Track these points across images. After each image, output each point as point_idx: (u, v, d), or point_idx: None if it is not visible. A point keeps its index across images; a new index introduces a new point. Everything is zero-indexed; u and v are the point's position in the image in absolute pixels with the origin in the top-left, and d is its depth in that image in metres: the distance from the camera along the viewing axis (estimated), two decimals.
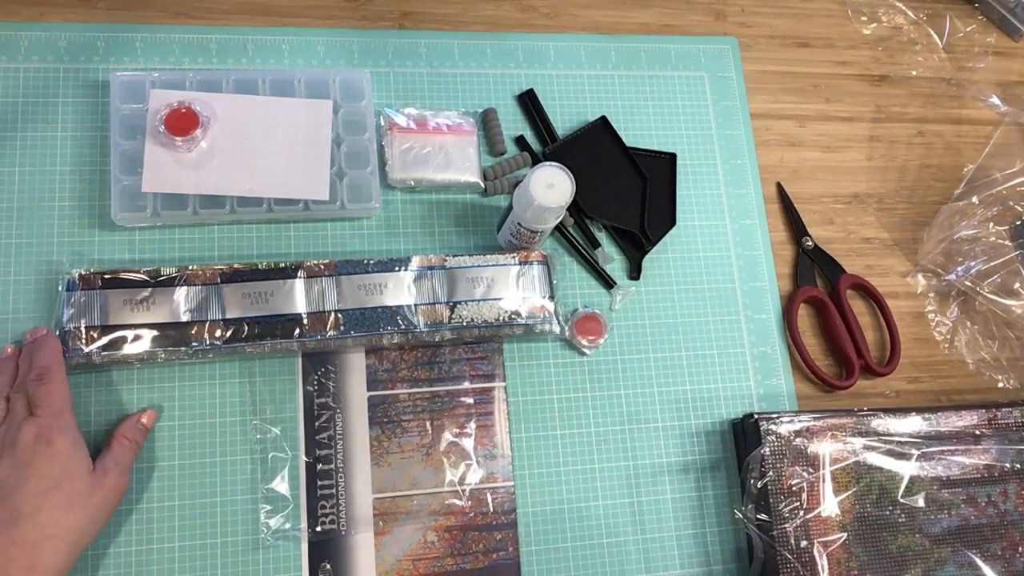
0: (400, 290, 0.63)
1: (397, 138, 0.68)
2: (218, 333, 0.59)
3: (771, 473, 0.62)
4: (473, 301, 0.64)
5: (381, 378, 0.64)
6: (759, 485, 0.62)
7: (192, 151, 0.63)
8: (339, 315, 0.61)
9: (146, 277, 0.59)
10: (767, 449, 0.63)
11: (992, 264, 0.75)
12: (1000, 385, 0.75)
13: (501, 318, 0.64)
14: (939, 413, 0.67)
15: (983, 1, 0.88)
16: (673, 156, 0.75)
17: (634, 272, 0.71)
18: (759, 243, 0.75)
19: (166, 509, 0.59)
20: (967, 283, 0.76)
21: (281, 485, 0.60)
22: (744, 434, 0.66)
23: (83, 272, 0.59)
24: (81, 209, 0.63)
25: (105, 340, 0.57)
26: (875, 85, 0.83)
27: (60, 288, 0.59)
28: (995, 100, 0.84)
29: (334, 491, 0.61)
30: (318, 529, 0.60)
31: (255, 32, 0.71)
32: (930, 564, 0.63)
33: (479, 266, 0.65)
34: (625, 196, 0.72)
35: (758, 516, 0.62)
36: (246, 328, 0.59)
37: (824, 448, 0.64)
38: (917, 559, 0.63)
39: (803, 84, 0.82)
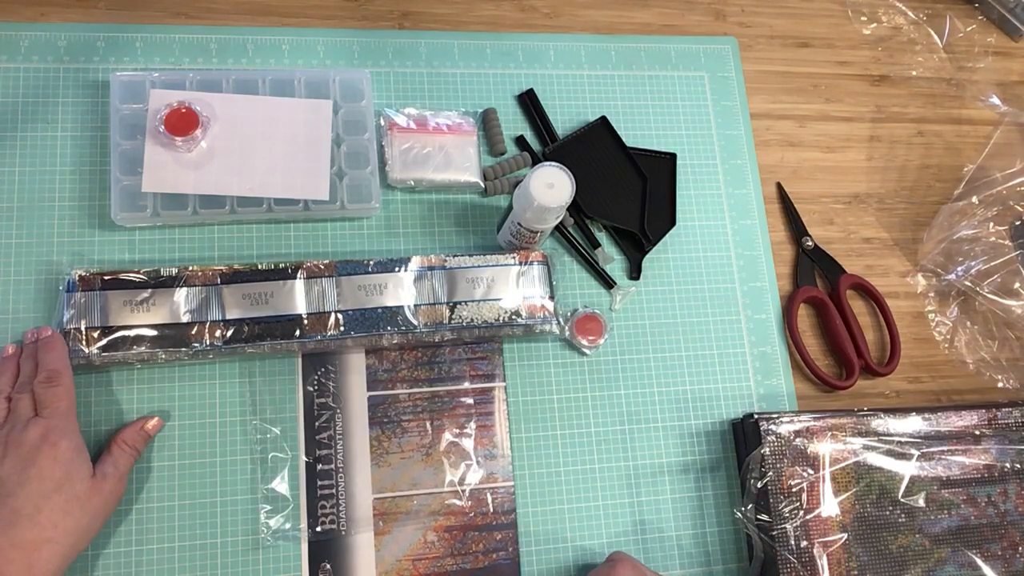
0: (400, 290, 0.63)
1: (397, 138, 0.68)
2: (218, 334, 0.59)
3: (771, 473, 0.62)
4: (473, 301, 0.64)
5: (381, 378, 0.64)
6: (759, 485, 0.62)
7: (192, 151, 0.63)
8: (339, 315, 0.61)
9: (146, 278, 0.59)
10: (767, 449, 0.63)
11: (992, 264, 0.75)
12: (1000, 385, 0.75)
13: (501, 318, 0.64)
14: (939, 413, 0.67)
15: (983, 1, 0.88)
16: (673, 156, 0.75)
17: (634, 272, 0.71)
18: (759, 243, 0.75)
19: (166, 509, 0.59)
20: (967, 283, 0.76)
21: (281, 485, 0.60)
22: (744, 434, 0.66)
23: (83, 273, 0.59)
24: (81, 209, 0.63)
25: (105, 341, 0.57)
26: (875, 85, 0.83)
27: (60, 289, 0.59)
28: (995, 100, 0.84)
29: (334, 491, 0.61)
30: (318, 529, 0.60)
31: (255, 32, 0.71)
32: (930, 564, 0.63)
33: (479, 266, 0.65)
34: (625, 196, 0.72)
35: (758, 516, 0.62)
36: (246, 329, 0.59)
37: (824, 448, 0.64)
38: (917, 559, 0.63)
39: (803, 84, 0.82)
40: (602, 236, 0.72)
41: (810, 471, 0.63)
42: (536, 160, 0.72)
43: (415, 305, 0.63)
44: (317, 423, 0.62)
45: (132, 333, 0.58)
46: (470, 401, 0.65)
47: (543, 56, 0.76)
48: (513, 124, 0.73)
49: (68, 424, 0.54)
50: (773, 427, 0.64)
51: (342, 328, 0.61)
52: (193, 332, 0.59)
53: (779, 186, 0.78)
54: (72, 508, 0.51)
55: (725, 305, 0.72)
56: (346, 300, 0.62)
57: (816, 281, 0.75)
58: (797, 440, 0.64)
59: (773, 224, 0.76)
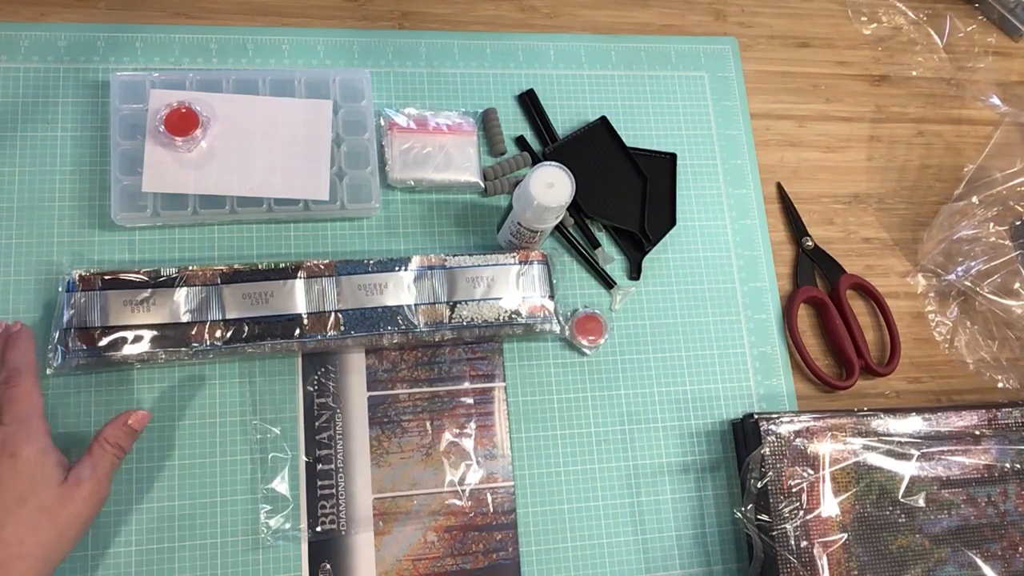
0: (400, 290, 0.63)
1: (397, 138, 0.68)
2: (218, 333, 0.59)
3: (771, 473, 0.62)
4: (473, 301, 0.64)
5: (381, 378, 0.64)
6: (759, 485, 0.62)
7: (192, 151, 0.63)
8: (339, 315, 0.61)
9: (146, 278, 0.59)
10: (767, 449, 0.63)
11: (992, 264, 0.75)
12: (1000, 385, 0.75)
13: (501, 318, 0.64)
14: (939, 413, 0.67)
15: (983, 1, 0.88)
16: (673, 156, 0.75)
17: (634, 272, 0.71)
18: (759, 243, 0.75)
19: (166, 509, 0.59)
20: (967, 283, 0.76)
21: (281, 485, 0.60)
22: (744, 434, 0.66)
23: (83, 273, 0.59)
24: (81, 209, 0.63)
25: (105, 341, 0.57)
26: (875, 85, 0.83)
27: (60, 289, 0.59)
28: (995, 100, 0.84)
29: (334, 491, 0.61)
30: (318, 529, 0.60)
31: (255, 32, 0.71)
32: (930, 564, 0.63)
33: (479, 266, 0.65)
34: (625, 196, 0.72)
35: (758, 516, 0.62)
36: (246, 328, 0.59)
37: (824, 448, 0.64)
38: (917, 559, 0.63)
39: (803, 84, 0.82)
40: (602, 236, 0.72)
41: (810, 471, 0.63)
42: (536, 160, 0.72)
43: (415, 305, 0.63)
44: (317, 423, 0.62)
45: (132, 333, 0.58)
46: (470, 401, 0.65)
47: (543, 56, 0.76)
48: (513, 124, 0.73)
49: (29, 428, 0.50)
50: (773, 427, 0.64)
51: (342, 328, 0.61)
52: (193, 332, 0.59)
53: (779, 186, 0.78)
54: (40, 521, 0.48)
55: (725, 305, 0.72)
56: (346, 300, 0.62)
57: (816, 281, 0.75)
58: (797, 440, 0.64)
59: (773, 224, 0.76)
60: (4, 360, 0.53)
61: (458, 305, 0.63)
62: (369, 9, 0.74)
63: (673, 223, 0.73)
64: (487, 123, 0.72)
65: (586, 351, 0.68)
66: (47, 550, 0.48)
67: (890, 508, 0.64)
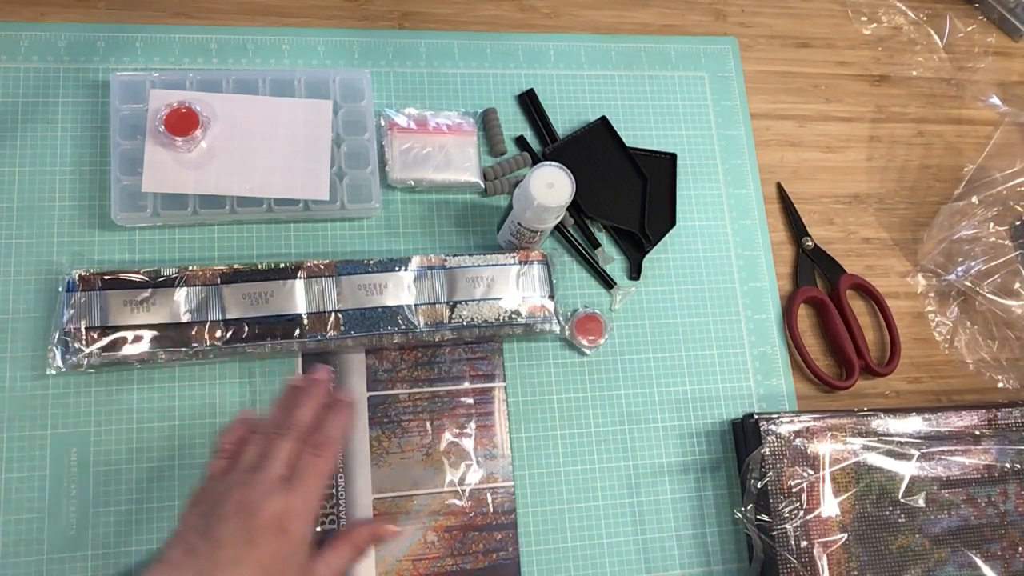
0: (400, 290, 0.63)
1: (397, 138, 0.68)
2: (218, 334, 0.59)
3: (771, 473, 0.62)
4: (473, 301, 0.64)
5: (381, 378, 0.64)
6: (759, 485, 0.62)
7: (192, 151, 0.63)
8: (339, 315, 0.61)
9: (146, 278, 0.59)
10: (767, 449, 0.63)
11: (992, 264, 0.75)
12: (1000, 385, 0.75)
13: (501, 318, 0.64)
14: (939, 413, 0.67)
15: (983, 1, 0.88)
16: (673, 156, 0.75)
17: (634, 272, 0.71)
18: (759, 243, 0.75)
19: (166, 510, 0.58)
20: (967, 283, 0.76)
21: None
22: (744, 434, 0.66)
23: (83, 273, 0.59)
24: (81, 209, 0.63)
25: (105, 341, 0.57)
26: (875, 85, 0.83)
27: (60, 289, 0.59)
28: (995, 100, 0.84)
29: (334, 491, 0.61)
30: (318, 529, 0.60)
31: (255, 32, 0.71)
32: (930, 564, 0.63)
33: (479, 266, 0.65)
34: (625, 196, 0.72)
35: (758, 516, 0.62)
36: (246, 328, 0.59)
37: (824, 448, 0.64)
38: (917, 559, 0.63)
39: (803, 84, 0.82)
40: (602, 236, 0.72)
41: (810, 471, 0.63)
42: (536, 160, 0.72)
43: (415, 305, 0.63)
44: None
45: (132, 333, 0.58)
46: (470, 401, 0.65)
47: (543, 56, 0.76)
48: (513, 124, 0.73)
49: (308, 509, 0.47)
50: (773, 427, 0.64)
51: (342, 328, 0.61)
52: (193, 332, 0.59)
53: (779, 186, 0.78)
54: None
55: (725, 305, 0.72)
56: (346, 300, 0.62)
57: (816, 281, 0.75)
58: (797, 440, 0.64)
59: (773, 224, 0.76)
60: (322, 422, 0.51)
61: (458, 305, 0.63)
62: (369, 9, 0.74)
63: (673, 223, 0.73)
64: (487, 123, 0.72)
65: (586, 351, 0.68)
66: None
67: (890, 508, 0.64)
